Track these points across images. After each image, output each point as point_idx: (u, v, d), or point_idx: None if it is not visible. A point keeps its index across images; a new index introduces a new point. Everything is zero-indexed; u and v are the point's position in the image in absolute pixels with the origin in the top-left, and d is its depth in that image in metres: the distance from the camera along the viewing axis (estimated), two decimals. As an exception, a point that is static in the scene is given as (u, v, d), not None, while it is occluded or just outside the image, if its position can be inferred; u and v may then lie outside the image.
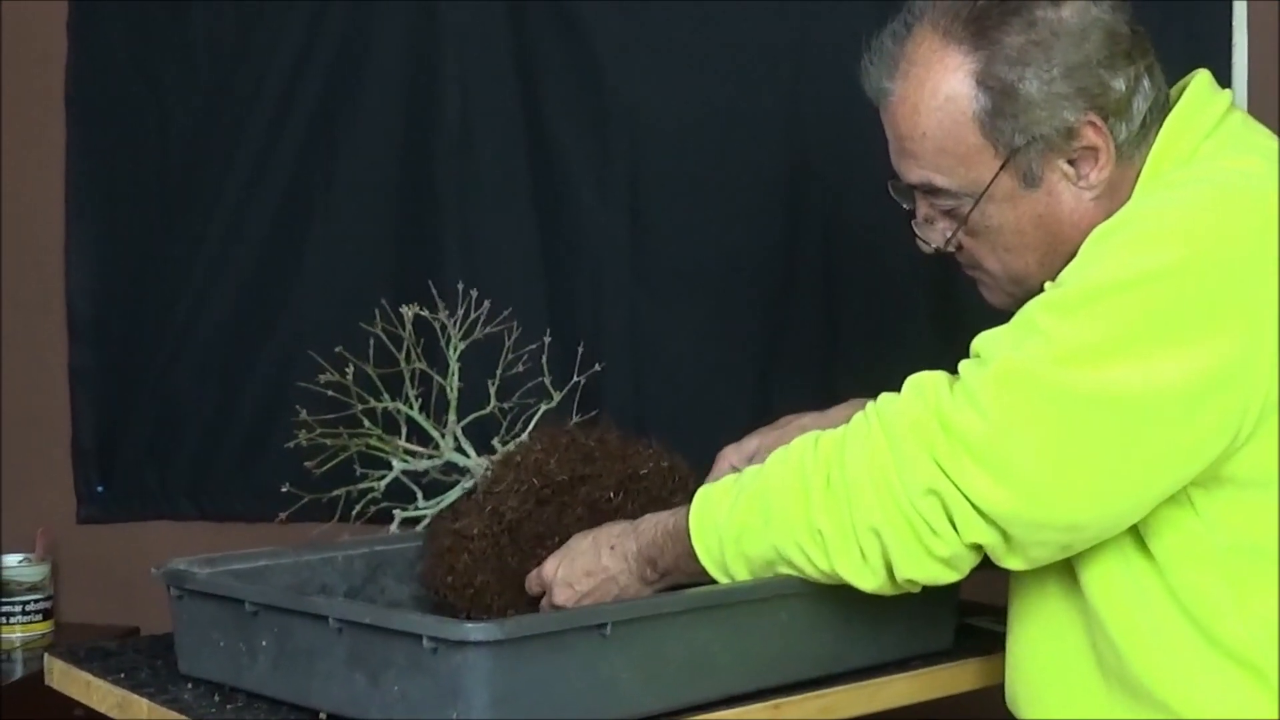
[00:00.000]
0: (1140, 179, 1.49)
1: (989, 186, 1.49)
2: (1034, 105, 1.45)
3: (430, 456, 1.83)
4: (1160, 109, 1.50)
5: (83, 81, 2.58)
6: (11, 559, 2.49)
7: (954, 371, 1.46)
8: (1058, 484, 1.36)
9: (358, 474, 1.80)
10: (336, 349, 1.78)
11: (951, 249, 1.56)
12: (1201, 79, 1.53)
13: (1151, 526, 1.43)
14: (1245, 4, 2.17)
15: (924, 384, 1.43)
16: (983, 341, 1.43)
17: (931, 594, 1.66)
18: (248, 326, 2.51)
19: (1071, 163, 1.48)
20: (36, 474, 2.62)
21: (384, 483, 1.80)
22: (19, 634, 2.46)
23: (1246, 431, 1.38)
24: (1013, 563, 1.42)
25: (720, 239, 2.35)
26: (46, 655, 1.73)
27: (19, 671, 2.35)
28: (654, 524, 1.56)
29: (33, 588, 2.48)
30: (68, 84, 2.58)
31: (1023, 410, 1.35)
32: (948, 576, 1.43)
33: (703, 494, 1.54)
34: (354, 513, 1.81)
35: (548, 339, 1.85)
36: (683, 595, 1.50)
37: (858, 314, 2.29)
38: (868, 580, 1.45)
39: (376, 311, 1.82)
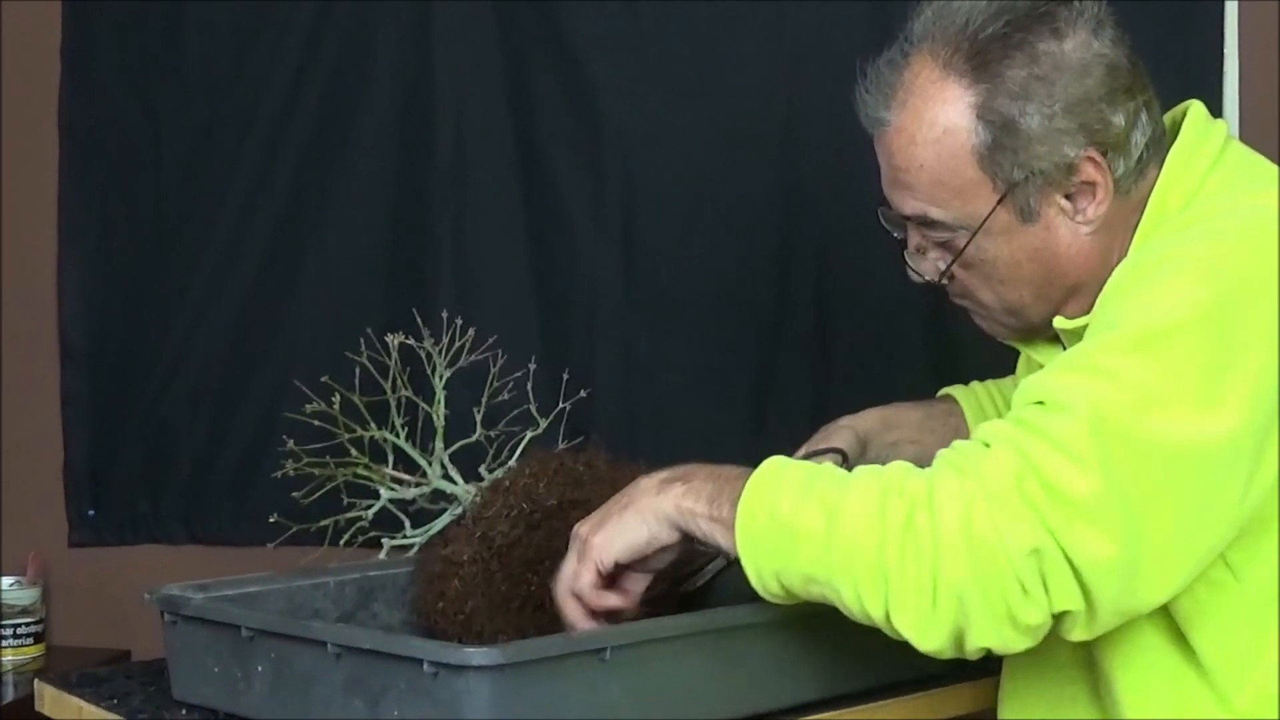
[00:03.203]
0: (1146, 215, 1.47)
1: (985, 220, 1.47)
2: (1034, 140, 1.44)
3: (417, 485, 1.83)
4: (1157, 144, 1.48)
5: (76, 108, 2.59)
6: (3, 582, 2.49)
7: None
8: (1154, 535, 1.29)
9: (344, 503, 1.81)
10: (323, 378, 1.79)
11: (944, 281, 1.54)
12: (1196, 111, 1.52)
13: None
14: (1236, 5, 2.18)
15: (1004, 434, 1.33)
16: (1047, 386, 1.34)
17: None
18: (241, 352, 2.52)
19: (1069, 197, 1.46)
20: (29, 498, 2.62)
21: (371, 511, 1.81)
22: (10, 657, 2.46)
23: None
24: (1078, 633, 1.33)
25: (713, 264, 2.35)
26: (37, 681, 1.72)
27: (10, 695, 2.35)
28: (705, 471, 1.45)
29: (24, 611, 2.48)
30: (61, 110, 2.59)
31: (1122, 463, 1.28)
32: (1020, 645, 1.33)
33: (774, 464, 1.41)
34: (342, 541, 1.82)
35: (533, 366, 1.86)
36: (682, 620, 1.50)
37: (851, 339, 2.30)
38: (929, 640, 1.32)
39: (361, 340, 1.83)
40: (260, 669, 1.51)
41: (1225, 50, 2.18)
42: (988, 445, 1.32)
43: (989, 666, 1.75)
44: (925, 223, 1.51)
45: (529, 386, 1.84)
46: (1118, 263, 1.46)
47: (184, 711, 1.58)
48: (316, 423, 1.77)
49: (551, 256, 2.41)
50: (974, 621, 1.30)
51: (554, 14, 2.39)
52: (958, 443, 1.36)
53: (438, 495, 1.86)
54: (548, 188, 2.41)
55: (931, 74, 1.46)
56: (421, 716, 1.36)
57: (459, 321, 1.84)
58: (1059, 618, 1.31)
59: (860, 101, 1.52)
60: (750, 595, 1.57)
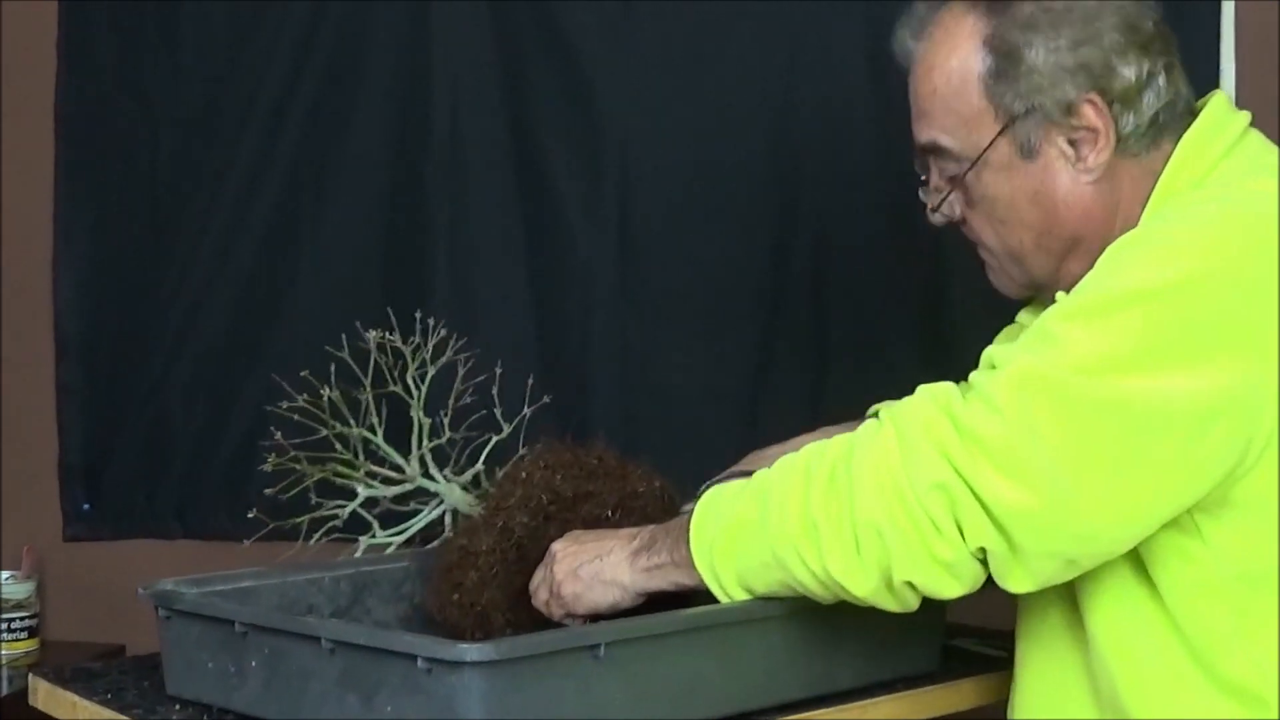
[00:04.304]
0: (1155, 193, 1.50)
1: (986, 150, 1.51)
2: (1036, 72, 1.48)
3: (399, 482, 1.84)
4: (1177, 116, 1.51)
5: (73, 101, 2.58)
6: (-3, 576, 2.49)
7: (948, 374, 1.46)
8: (1072, 487, 1.34)
9: (312, 501, 1.82)
10: (302, 373, 1.79)
11: (951, 215, 1.58)
12: (1219, 99, 1.55)
13: (1156, 555, 1.42)
14: (1233, 4, 2.19)
15: (936, 389, 1.41)
16: (996, 351, 1.42)
17: (917, 616, 1.67)
18: (237, 346, 2.52)
19: (1072, 144, 1.50)
20: (23, 491, 2.61)
21: (348, 510, 1.82)
22: (4, 652, 2.45)
23: (1255, 453, 1.38)
24: (1016, 580, 1.38)
25: (709, 260, 2.35)
26: (31, 675, 1.72)
27: (4, 689, 2.34)
28: (665, 527, 1.56)
29: (18, 605, 2.48)
30: (58, 103, 2.59)
31: (1039, 413, 1.34)
32: (948, 585, 1.39)
33: (712, 490, 1.53)
34: (314, 539, 1.83)
35: (499, 370, 1.89)
36: (675, 616, 1.50)
37: (847, 334, 2.30)
38: (860, 582, 1.40)
39: (344, 337, 1.83)
40: (254, 664, 1.51)
41: (1222, 50, 2.18)
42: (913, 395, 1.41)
43: (981, 666, 1.76)
44: (936, 150, 1.56)
45: (494, 391, 1.87)
46: (1121, 230, 1.48)
47: (178, 706, 1.58)
48: (296, 418, 1.78)
49: (547, 252, 2.41)
50: (895, 557, 1.37)
51: (550, 10, 2.39)
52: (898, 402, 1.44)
53: (407, 496, 1.87)
54: (543, 184, 2.41)
55: (956, 9, 1.53)
56: (415, 712, 1.36)
57: (431, 321, 1.87)
58: (984, 560, 1.37)
59: (898, 37, 1.59)
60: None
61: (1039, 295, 1.60)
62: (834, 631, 1.56)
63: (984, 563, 1.38)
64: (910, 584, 1.39)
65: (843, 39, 2.29)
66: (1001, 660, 1.78)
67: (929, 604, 1.69)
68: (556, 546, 1.59)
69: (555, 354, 2.38)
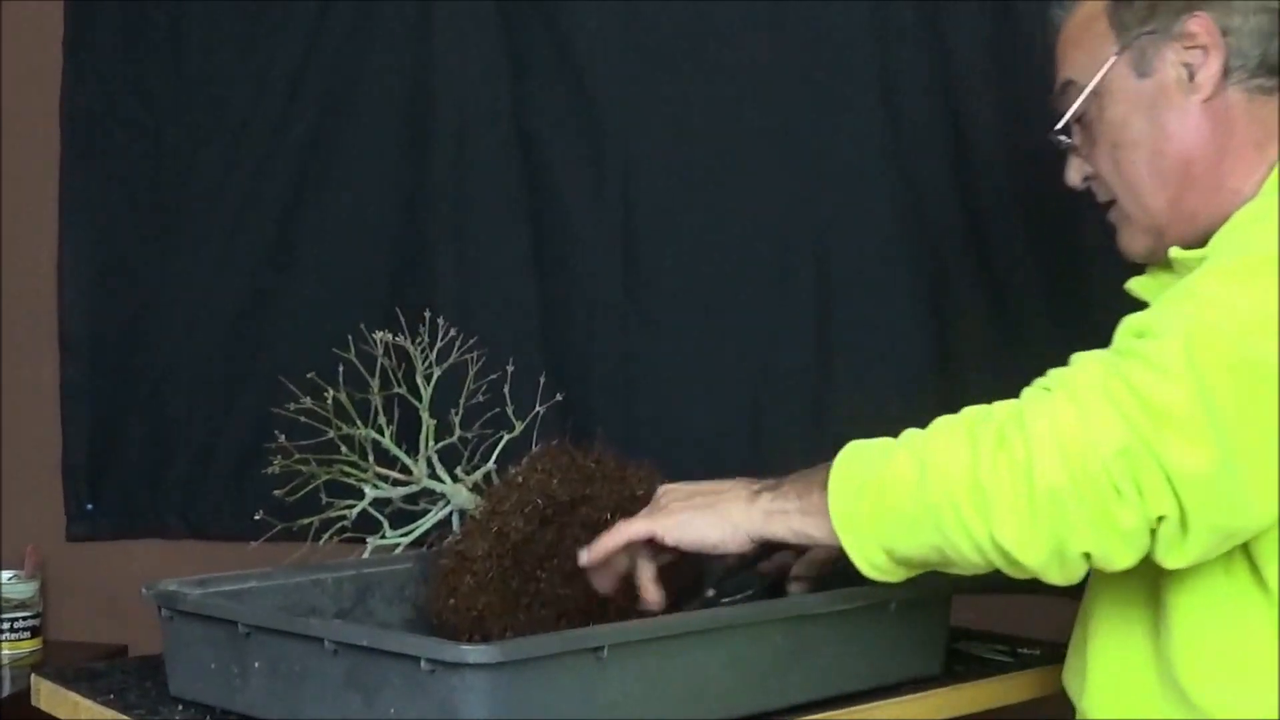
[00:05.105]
0: None
1: (1107, 71, 1.55)
2: None
3: (406, 483, 1.84)
4: None
5: (78, 99, 2.58)
6: (1, 576, 2.48)
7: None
8: (1244, 452, 1.32)
9: (323, 502, 1.81)
10: (309, 374, 1.79)
11: (1084, 168, 1.61)
12: None
13: (1264, 549, 1.40)
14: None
15: (1099, 356, 1.38)
16: (1146, 318, 1.39)
17: (921, 618, 1.67)
18: (240, 346, 2.52)
19: (1186, 66, 1.53)
20: (26, 491, 2.61)
21: (355, 511, 1.81)
22: (7, 652, 2.45)
23: None
24: (1177, 553, 1.35)
25: (713, 263, 2.35)
26: (34, 675, 1.72)
27: (7, 689, 2.35)
28: (792, 477, 1.50)
29: (21, 605, 2.48)
30: (63, 101, 2.59)
31: (1215, 376, 1.32)
32: (1123, 555, 1.35)
33: (853, 445, 1.45)
34: (323, 540, 1.82)
35: (510, 368, 1.88)
36: (679, 619, 1.51)
37: (849, 335, 2.30)
38: (1032, 552, 1.34)
39: (350, 338, 1.83)
40: (257, 665, 1.51)
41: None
42: (1071, 364, 1.37)
43: (985, 670, 1.76)
44: (1065, 94, 1.60)
45: (506, 389, 1.86)
46: (1231, 172, 1.52)
47: (180, 707, 1.58)
48: (303, 419, 1.78)
49: (551, 254, 2.41)
50: (1073, 525, 1.32)
51: (555, 12, 2.39)
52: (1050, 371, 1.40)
53: (416, 496, 1.87)
54: (547, 184, 2.41)
55: None
56: (418, 713, 1.36)
57: (441, 320, 1.85)
58: (1155, 532, 1.33)
59: (1051, 14, 1.64)
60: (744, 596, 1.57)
61: (1157, 255, 1.59)
62: (838, 634, 1.56)
63: (1153, 530, 1.35)
64: (1087, 554, 1.35)
65: (846, 38, 2.29)
66: (1005, 664, 1.79)
67: (933, 607, 1.70)
68: (667, 486, 1.56)
69: (558, 354, 2.37)
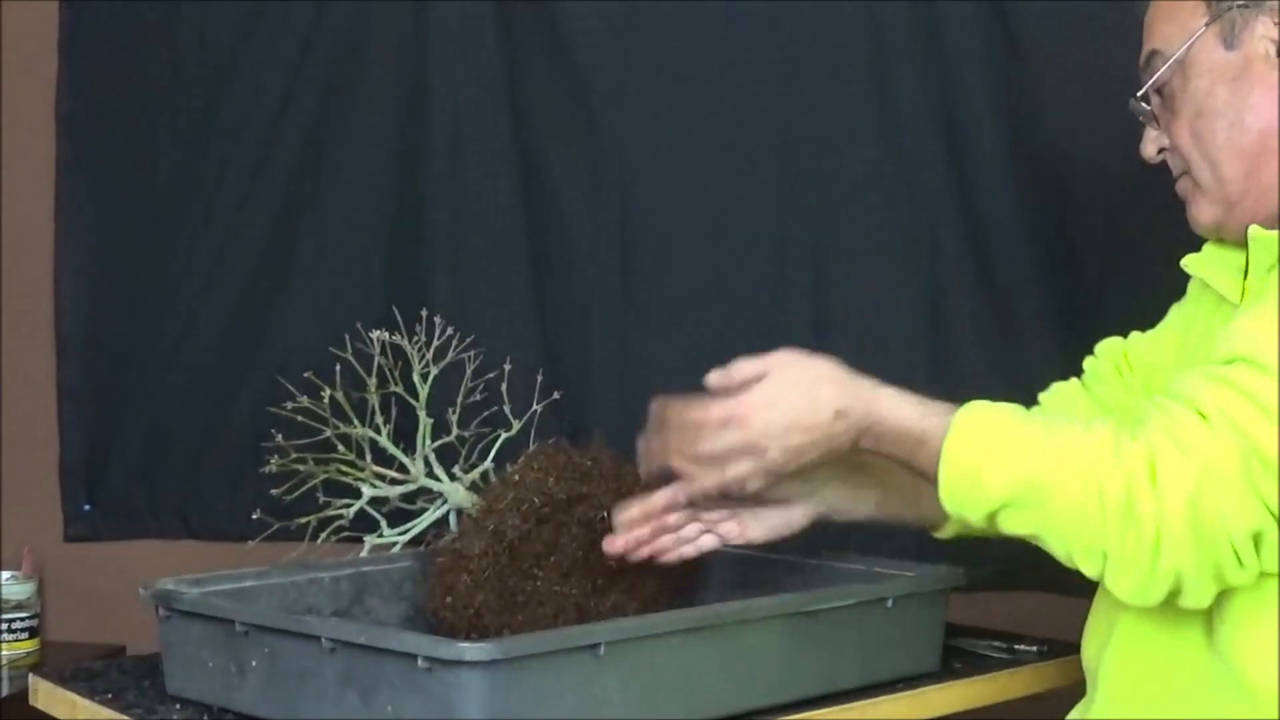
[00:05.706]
0: None
1: (1194, 41, 1.55)
2: None
3: (403, 482, 1.84)
4: None
5: (74, 101, 2.58)
6: (-2, 577, 2.49)
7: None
8: None
9: (320, 501, 1.81)
10: (306, 374, 1.79)
11: (1162, 141, 1.60)
12: None
13: None
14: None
15: (1225, 408, 1.36)
16: (1258, 345, 1.38)
17: (918, 615, 1.67)
18: (237, 346, 2.51)
19: (1275, 42, 1.53)
20: (23, 491, 2.61)
21: (352, 510, 1.81)
22: (5, 652, 2.45)
23: None
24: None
25: (710, 263, 2.35)
26: (32, 675, 1.73)
27: (4, 690, 2.34)
28: (894, 410, 1.50)
29: (19, 606, 2.48)
30: (59, 103, 2.58)
31: None
32: (1211, 597, 1.39)
33: (974, 409, 1.45)
34: (320, 539, 1.82)
35: (508, 366, 1.87)
36: (676, 616, 1.51)
37: (848, 336, 2.29)
38: (1143, 600, 1.38)
39: (347, 337, 1.83)
40: (255, 664, 1.51)
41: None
42: (1204, 416, 1.36)
43: (981, 666, 1.76)
44: (1150, 62, 1.60)
45: (503, 388, 1.85)
46: None
47: (178, 706, 1.59)
48: (300, 419, 1.78)
49: (549, 253, 2.41)
50: (1189, 590, 1.37)
51: (551, 12, 2.39)
52: (1167, 403, 1.39)
53: (414, 495, 1.87)
54: (544, 185, 2.41)
55: None
56: (415, 711, 1.36)
57: (438, 319, 1.85)
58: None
59: None
60: (744, 592, 1.57)
61: (1225, 228, 1.59)
62: (835, 631, 1.56)
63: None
64: (1195, 606, 1.40)
65: (845, 40, 2.29)
66: (1002, 660, 1.79)
67: (930, 603, 1.70)
68: (749, 408, 1.57)
69: (556, 354, 2.37)
